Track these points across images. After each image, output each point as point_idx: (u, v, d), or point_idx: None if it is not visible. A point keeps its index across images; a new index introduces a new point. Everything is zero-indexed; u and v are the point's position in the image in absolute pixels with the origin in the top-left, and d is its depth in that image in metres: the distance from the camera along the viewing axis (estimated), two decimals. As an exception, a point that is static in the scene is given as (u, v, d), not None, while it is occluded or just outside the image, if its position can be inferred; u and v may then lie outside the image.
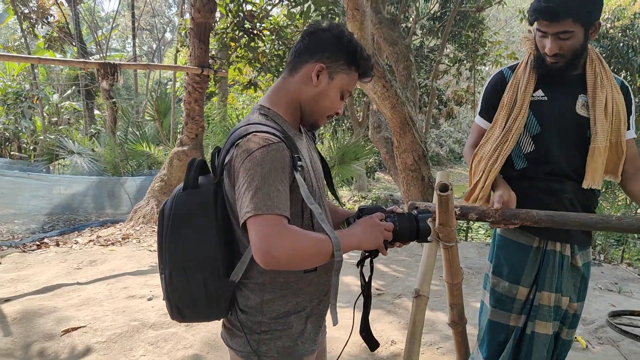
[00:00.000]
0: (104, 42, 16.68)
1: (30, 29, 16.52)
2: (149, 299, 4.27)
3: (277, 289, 1.40)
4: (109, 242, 6.24)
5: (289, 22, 9.66)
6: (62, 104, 20.55)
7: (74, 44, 15.68)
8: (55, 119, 20.62)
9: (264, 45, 9.32)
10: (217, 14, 8.56)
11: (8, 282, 4.73)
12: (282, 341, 1.40)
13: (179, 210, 1.37)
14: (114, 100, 11.39)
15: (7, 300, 4.21)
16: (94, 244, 6.23)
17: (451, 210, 1.89)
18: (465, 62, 11.68)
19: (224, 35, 8.03)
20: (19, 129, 15.04)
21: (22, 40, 16.28)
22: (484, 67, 12.80)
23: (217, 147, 1.45)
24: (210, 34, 7.50)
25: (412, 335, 1.88)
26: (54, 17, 16.70)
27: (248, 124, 1.33)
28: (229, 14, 7.86)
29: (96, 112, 19.07)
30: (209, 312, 1.41)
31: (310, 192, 1.36)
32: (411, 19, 13.61)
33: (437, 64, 12.32)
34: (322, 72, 1.41)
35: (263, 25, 8.64)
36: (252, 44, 8.53)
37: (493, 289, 2.06)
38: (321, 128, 19.07)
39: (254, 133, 1.28)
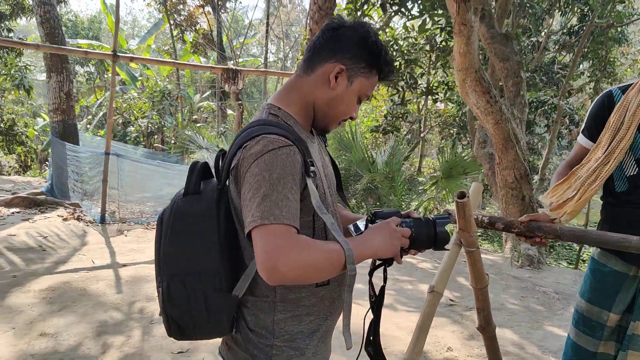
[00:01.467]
0: (241, 48, 18.09)
1: (181, 35, 18.55)
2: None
3: (288, 307, 1.28)
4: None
5: (408, 35, 9.86)
6: (201, 103, 22.67)
7: (215, 49, 17.31)
8: (195, 117, 22.83)
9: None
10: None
11: (128, 251, 5.56)
12: None
13: (179, 218, 1.24)
14: (240, 102, 12.39)
15: (124, 265, 4.99)
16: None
17: (468, 216, 2.03)
18: (592, 80, 10.97)
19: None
20: (163, 124, 16.97)
21: (172, 44, 18.20)
22: (609, 86, 11.87)
23: (222, 149, 1.34)
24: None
25: (421, 326, 2.06)
26: (201, 25, 18.58)
27: (257, 125, 1.22)
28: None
29: (230, 112, 20.71)
30: (210, 329, 1.27)
31: (323, 200, 1.26)
32: (543, 33, 13.07)
33: (567, 81, 11.72)
34: (341, 75, 1.28)
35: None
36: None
37: (582, 314, 2.03)
38: (441, 141, 18.78)
39: (263, 135, 1.16)
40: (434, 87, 10.34)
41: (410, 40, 9.81)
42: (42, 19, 8.35)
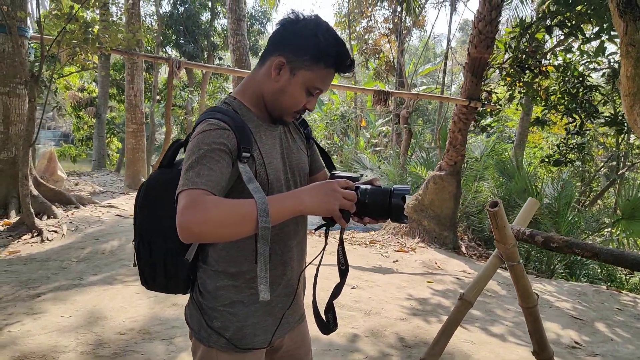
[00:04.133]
0: (414, 74, 18.30)
1: (364, 62, 19.58)
2: (353, 288, 4.98)
3: (230, 277, 1.41)
4: (356, 243, 7.25)
5: (588, 59, 9.11)
6: (382, 127, 23.41)
7: (394, 75, 17.86)
8: (376, 140, 23.66)
9: (552, 81, 9.02)
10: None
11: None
12: (230, 333, 1.40)
13: (149, 186, 1.43)
14: (406, 125, 12.63)
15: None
16: (346, 242, 7.33)
17: (502, 226, 1.99)
18: None
19: (501, 71, 8.20)
20: (341, 145, 18.06)
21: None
22: None
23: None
24: (486, 69, 7.81)
25: (445, 330, 2.06)
26: (384, 52, 19.37)
27: (208, 112, 1.36)
28: (508, 50, 7.99)
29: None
30: (167, 285, 1.45)
31: (263, 184, 1.34)
32: None
33: None
34: (284, 67, 1.34)
35: (549, 61, 8.42)
36: (536, 80, 8.42)
37: None
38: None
39: (207, 119, 1.30)
40: (618, 117, 9.31)
41: (590, 65, 9.03)
42: (234, 47, 9.71)
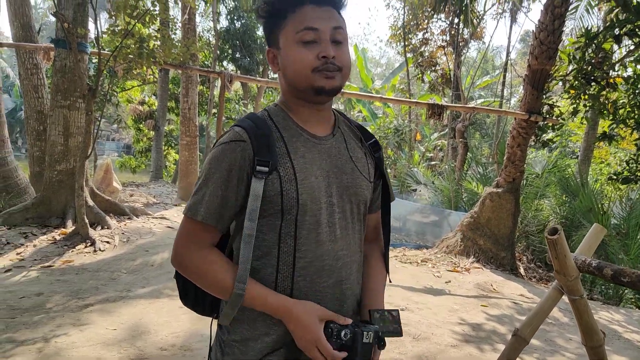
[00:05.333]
0: (471, 86, 17.76)
1: (420, 74, 19.25)
2: (402, 309, 4.76)
3: (245, 312, 1.24)
4: (407, 261, 7.00)
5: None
6: (437, 141, 22.93)
7: (451, 88, 17.45)
8: (431, 154, 23.21)
9: (621, 94, 8.47)
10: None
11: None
12: None
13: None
14: (462, 139, 12.27)
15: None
16: (396, 259, 7.09)
17: (563, 256, 1.78)
18: None
19: (564, 83, 7.76)
20: (395, 159, 17.78)
21: (407, 83, 18.99)
22: None
23: None
24: (548, 81, 7.43)
25: (496, 371, 1.85)
26: (440, 65, 18.99)
27: (242, 118, 1.29)
28: (572, 62, 7.55)
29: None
30: (196, 306, 1.40)
31: (291, 204, 1.19)
32: None
33: None
34: (274, 53, 1.28)
35: (617, 72, 7.90)
36: (603, 92, 7.92)
37: None
38: None
39: (233, 126, 1.24)
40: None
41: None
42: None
